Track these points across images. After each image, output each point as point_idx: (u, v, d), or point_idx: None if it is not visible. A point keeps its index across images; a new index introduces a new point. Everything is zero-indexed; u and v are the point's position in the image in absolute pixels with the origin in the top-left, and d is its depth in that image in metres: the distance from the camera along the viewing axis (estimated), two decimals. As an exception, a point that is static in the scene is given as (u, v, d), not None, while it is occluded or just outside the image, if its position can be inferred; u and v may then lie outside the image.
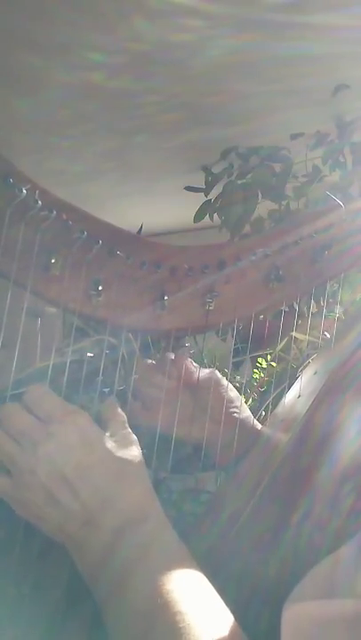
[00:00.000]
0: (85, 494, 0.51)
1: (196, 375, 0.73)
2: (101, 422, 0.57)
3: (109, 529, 0.50)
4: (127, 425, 0.58)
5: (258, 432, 0.74)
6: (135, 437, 0.57)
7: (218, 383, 0.74)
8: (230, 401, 0.74)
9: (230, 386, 0.75)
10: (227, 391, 0.74)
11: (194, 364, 0.74)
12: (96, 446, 0.53)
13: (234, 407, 0.74)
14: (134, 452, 0.55)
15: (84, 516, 0.51)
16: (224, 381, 0.75)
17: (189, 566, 0.49)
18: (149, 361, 0.74)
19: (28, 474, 0.51)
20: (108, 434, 0.55)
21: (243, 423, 0.73)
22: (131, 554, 0.49)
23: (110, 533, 0.50)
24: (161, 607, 0.45)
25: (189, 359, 0.74)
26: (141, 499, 0.54)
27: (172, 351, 0.74)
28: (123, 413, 0.59)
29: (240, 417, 0.74)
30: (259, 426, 0.76)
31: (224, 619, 0.46)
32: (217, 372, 0.75)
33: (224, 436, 0.71)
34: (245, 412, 0.75)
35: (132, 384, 0.71)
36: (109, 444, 0.54)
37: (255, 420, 0.76)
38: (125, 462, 0.54)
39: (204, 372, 0.74)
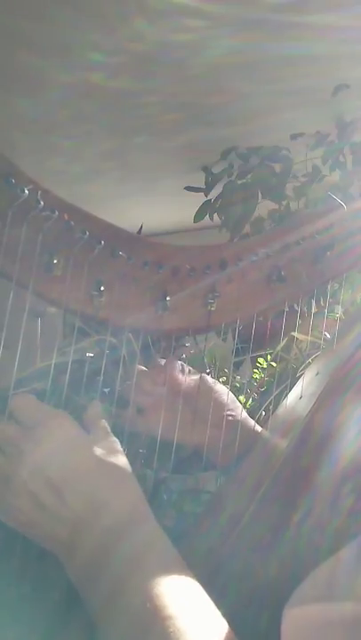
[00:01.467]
0: (72, 498, 0.51)
1: (184, 382, 0.72)
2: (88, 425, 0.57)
3: (99, 532, 0.50)
4: (110, 431, 0.57)
5: (256, 433, 0.74)
6: (118, 444, 0.57)
7: (209, 389, 0.73)
8: (224, 405, 0.73)
9: (225, 389, 0.75)
10: (220, 396, 0.73)
11: (184, 368, 0.73)
12: (82, 450, 0.53)
13: (229, 411, 0.74)
14: (120, 455, 0.55)
15: (73, 521, 0.50)
16: (217, 386, 0.74)
17: (181, 569, 0.49)
18: (141, 367, 0.74)
19: (15, 481, 0.50)
20: (93, 438, 0.55)
21: (239, 426, 0.73)
22: (122, 558, 0.48)
23: (100, 537, 0.50)
24: (153, 611, 0.44)
25: (179, 364, 0.73)
26: (131, 500, 0.53)
27: (173, 351, 0.73)
28: (103, 420, 0.58)
29: (236, 420, 0.73)
30: (258, 427, 0.75)
31: (216, 623, 0.45)
32: (207, 377, 0.74)
33: (220, 440, 0.70)
34: (242, 415, 0.75)
35: (128, 390, 0.71)
36: (95, 447, 0.54)
37: (253, 422, 0.76)
38: (112, 465, 0.54)
39: (194, 378, 0.73)
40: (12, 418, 0.54)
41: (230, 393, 0.76)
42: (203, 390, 0.73)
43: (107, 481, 0.53)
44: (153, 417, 0.70)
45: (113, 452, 0.55)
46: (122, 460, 0.55)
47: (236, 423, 0.73)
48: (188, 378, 0.73)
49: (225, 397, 0.74)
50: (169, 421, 0.69)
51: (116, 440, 0.57)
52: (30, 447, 0.51)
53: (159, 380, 0.72)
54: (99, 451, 0.54)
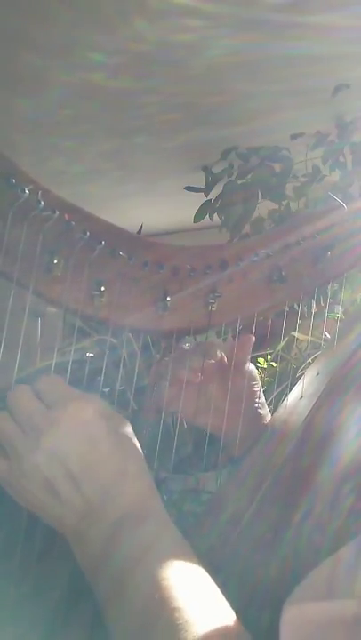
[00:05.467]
0: (87, 487, 0.51)
1: (239, 362, 0.73)
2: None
3: (110, 523, 0.50)
4: (127, 421, 0.58)
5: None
6: (132, 432, 0.57)
7: (253, 376, 0.74)
8: (258, 396, 0.75)
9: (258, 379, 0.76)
10: (259, 386, 0.74)
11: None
12: (100, 439, 0.53)
13: (259, 403, 0.75)
14: (136, 448, 0.55)
15: (85, 510, 0.50)
16: (257, 376, 0.75)
17: (191, 562, 0.49)
18: (187, 344, 0.73)
19: (29, 463, 0.50)
20: (111, 428, 0.55)
21: (261, 419, 0.74)
22: (131, 549, 0.49)
23: (111, 528, 0.50)
24: (161, 603, 0.44)
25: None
26: (143, 494, 0.53)
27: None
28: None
29: (262, 413, 0.74)
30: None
31: (225, 614, 0.46)
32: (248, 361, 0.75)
33: (244, 430, 0.71)
34: (265, 409, 0.76)
35: (167, 366, 0.70)
36: (113, 437, 0.54)
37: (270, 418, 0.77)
38: (128, 457, 0.54)
39: (243, 361, 0.74)
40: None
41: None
42: (241, 373, 0.73)
43: (120, 472, 0.53)
44: (191, 396, 0.70)
45: (129, 442, 0.55)
46: (138, 451, 0.55)
47: (260, 416, 0.74)
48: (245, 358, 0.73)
49: (259, 386, 0.75)
50: (201, 402, 0.70)
51: (131, 430, 0.57)
52: (49, 433, 0.51)
53: (213, 355, 0.71)
54: (117, 441, 0.54)
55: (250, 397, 0.73)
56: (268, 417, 0.76)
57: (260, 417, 0.74)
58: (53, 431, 0.51)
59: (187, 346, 0.73)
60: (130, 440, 0.55)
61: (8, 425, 0.52)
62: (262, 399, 0.76)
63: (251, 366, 0.75)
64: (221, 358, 0.73)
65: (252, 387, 0.74)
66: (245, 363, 0.73)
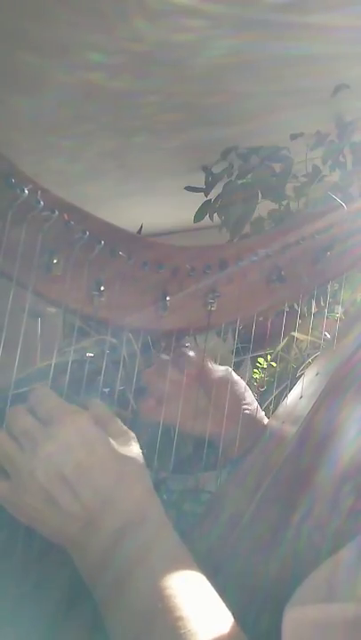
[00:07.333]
0: (85, 496, 0.51)
1: (212, 373, 0.74)
2: (99, 422, 0.57)
3: (110, 530, 0.50)
4: (124, 426, 0.58)
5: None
6: (134, 436, 0.57)
7: (234, 382, 0.75)
8: (245, 399, 0.75)
9: (243, 383, 0.76)
10: (242, 390, 0.75)
11: (210, 362, 0.75)
12: (96, 447, 0.53)
13: (247, 405, 0.75)
14: (135, 452, 0.55)
15: (85, 518, 0.51)
16: (240, 380, 0.76)
17: (190, 568, 0.49)
18: (165, 357, 0.74)
19: (27, 475, 0.50)
20: (108, 434, 0.55)
21: (255, 421, 0.74)
22: (131, 555, 0.49)
23: (111, 534, 0.50)
24: (162, 611, 0.45)
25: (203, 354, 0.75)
26: (142, 499, 0.53)
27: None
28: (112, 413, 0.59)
29: (252, 415, 0.75)
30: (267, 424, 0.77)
31: (226, 624, 0.46)
32: (228, 368, 0.76)
33: (237, 433, 0.71)
34: (260, 412, 0.76)
35: (148, 377, 0.71)
36: (110, 444, 0.54)
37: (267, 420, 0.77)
38: (126, 463, 0.54)
39: (220, 370, 0.75)
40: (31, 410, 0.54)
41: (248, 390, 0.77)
42: (222, 380, 0.74)
43: (119, 479, 0.53)
44: (172, 406, 0.71)
45: (128, 448, 0.55)
46: (136, 456, 0.55)
47: (252, 418, 0.74)
48: (209, 367, 0.74)
49: (246, 392, 0.76)
50: (187, 411, 0.70)
51: (132, 435, 0.57)
52: (45, 443, 0.51)
53: (186, 368, 0.72)
54: (113, 448, 0.54)
55: (234, 400, 0.74)
56: (264, 418, 0.76)
57: (253, 417, 0.74)
58: (50, 443, 0.51)
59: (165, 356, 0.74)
60: (127, 443, 0.55)
61: (4, 442, 0.52)
62: (252, 399, 0.76)
63: (225, 371, 0.75)
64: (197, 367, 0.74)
65: (234, 391, 0.75)
66: (207, 371, 0.74)
